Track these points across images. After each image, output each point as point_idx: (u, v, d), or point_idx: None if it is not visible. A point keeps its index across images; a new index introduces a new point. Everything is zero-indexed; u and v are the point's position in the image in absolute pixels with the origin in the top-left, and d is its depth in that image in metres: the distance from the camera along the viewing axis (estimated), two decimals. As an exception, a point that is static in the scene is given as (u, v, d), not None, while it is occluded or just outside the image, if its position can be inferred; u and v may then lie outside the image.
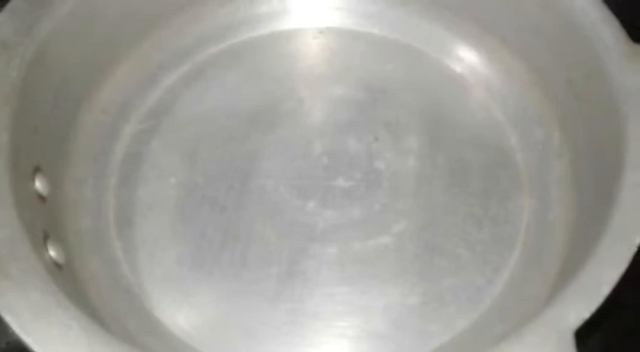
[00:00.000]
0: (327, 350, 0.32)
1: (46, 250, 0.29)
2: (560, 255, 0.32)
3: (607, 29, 0.32)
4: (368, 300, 0.33)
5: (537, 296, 0.31)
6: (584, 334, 0.25)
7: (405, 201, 0.36)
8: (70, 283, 0.30)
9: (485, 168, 0.37)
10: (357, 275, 0.34)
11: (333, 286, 0.33)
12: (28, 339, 0.24)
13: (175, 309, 0.33)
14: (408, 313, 0.32)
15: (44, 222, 0.30)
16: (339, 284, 0.33)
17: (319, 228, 0.35)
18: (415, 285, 0.33)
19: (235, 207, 0.35)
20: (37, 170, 0.30)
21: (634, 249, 0.27)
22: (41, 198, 0.31)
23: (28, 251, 0.26)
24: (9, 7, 0.31)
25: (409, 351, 0.31)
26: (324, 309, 0.33)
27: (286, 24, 0.41)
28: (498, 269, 0.33)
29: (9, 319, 0.25)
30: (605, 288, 0.26)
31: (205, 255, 0.34)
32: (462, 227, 0.35)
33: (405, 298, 0.33)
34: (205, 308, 0.33)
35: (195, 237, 0.35)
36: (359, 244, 0.34)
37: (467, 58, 0.39)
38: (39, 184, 0.30)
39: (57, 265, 0.29)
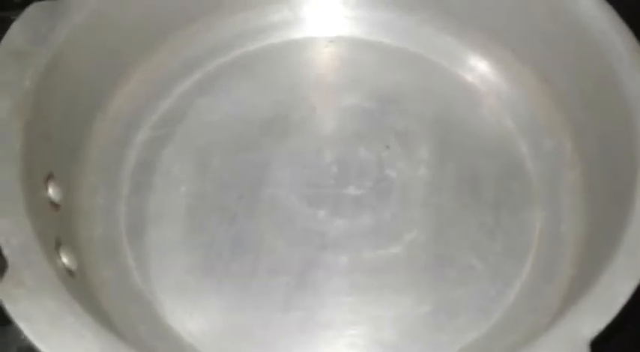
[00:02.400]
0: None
1: (59, 257, 0.29)
2: (572, 267, 0.32)
3: (618, 37, 0.32)
4: (378, 310, 0.33)
5: (548, 308, 0.31)
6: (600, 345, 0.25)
7: (415, 211, 0.36)
8: (83, 290, 0.30)
9: (497, 178, 0.36)
10: (367, 285, 0.33)
11: (344, 295, 0.33)
12: (41, 346, 0.25)
13: (187, 317, 0.32)
14: (419, 323, 0.32)
15: (57, 229, 0.30)
16: (349, 294, 0.33)
17: (330, 236, 0.35)
18: (426, 295, 0.33)
19: (246, 216, 0.35)
20: (49, 177, 0.31)
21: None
22: (54, 205, 0.31)
23: (41, 258, 0.27)
24: (23, 15, 0.31)
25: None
26: (334, 318, 0.33)
27: (298, 33, 0.41)
28: (510, 281, 0.33)
29: (23, 326, 0.25)
30: (620, 299, 0.26)
31: (215, 263, 0.34)
32: (474, 237, 0.35)
33: (416, 308, 0.32)
34: (216, 316, 0.33)
35: (205, 245, 0.35)
36: (370, 253, 0.34)
37: (477, 67, 0.39)
38: (52, 191, 0.30)
39: (69, 272, 0.29)
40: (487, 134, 0.38)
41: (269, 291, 0.33)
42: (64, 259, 0.29)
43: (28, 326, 0.25)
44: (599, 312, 0.25)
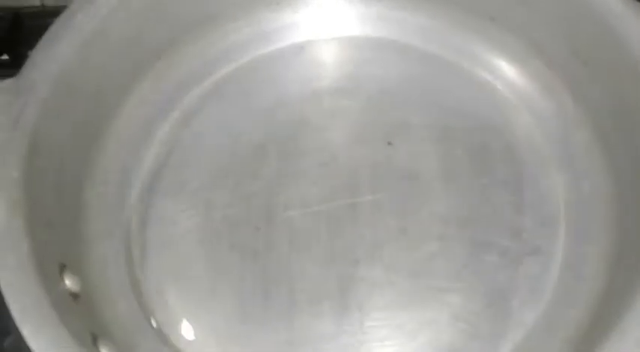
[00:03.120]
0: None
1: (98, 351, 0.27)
2: (609, 226, 0.32)
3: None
4: (431, 314, 0.32)
5: (596, 274, 0.31)
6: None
7: (437, 202, 0.34)
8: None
9: (507, 151, 0.36)
10: (412, 290, 0.33)
11: (391, 307, 0.32)
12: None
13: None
14: (476, 318, 0.31)
15: (86, 321, 0.28)
16: (396, 304, 0.32)
17: (359, 250, 0.34)
18: (473, 288, 0.32)
19: (267, 249, 0.34)
20: (63, 268, 0.28)
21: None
22: (74, 295, 0.28)
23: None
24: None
25: (488, 357, 0.31)
26: (388, 333, 0.32)
27: (298, 35, 0.39)
28: (550, 253, 0.33)
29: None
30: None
31: (251, 307, 0.32)
32: (502, 217, 0.34)
33: (468, 304, 0.32)
34: (270, 362, 0.31)
35: (236, 290, 0.33)
36: (405, 257, 0.33)
37: (464, 44, 0.38)
38: (69, 282, 0.28)
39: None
40: (485, 109, 0.37)
41: (315, 321, 0.32)
42: (104, 350, 0.27)
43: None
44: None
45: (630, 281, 0.28)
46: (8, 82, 0.28)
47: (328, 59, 0.39)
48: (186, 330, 0.32)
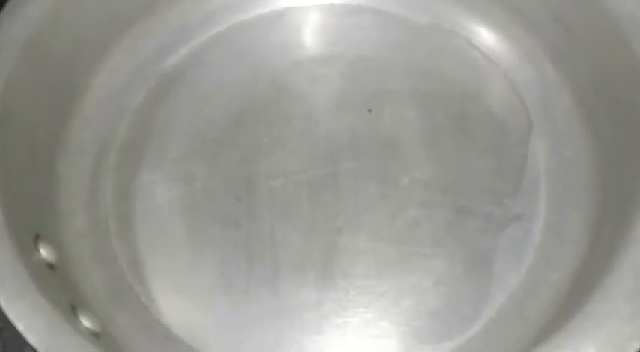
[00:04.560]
0: (393, 340, 0.31)
1: (80, 322, 0.26)
2: (591, 191, 0.32)
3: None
4: (415, 280, 0.32)
5: (580, 236, 0.31)
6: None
7: (419, 168, 0.34)
8: (108, 348, 0.27)
9: (487, 118, 0.35)
10: (395, 257, 0.32)
11: (375, 275, 0.32)
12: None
13: (224, 336, 0.30)
14: (459, 283, 0.31)
15: (64, 291, 0.27)
16: (380, 272, 0.32)
17: (341, 218, 0.33)
18: (456, 253, 0.32)
19: (249, 219, 0.33)
20: (37, 238, 0.27)
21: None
22: (50, 266, 0.27)
23: (67, 328, 0.24)
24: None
25: (471, 321, 0.31)
26: (372, 301, 0.31)
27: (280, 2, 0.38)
28: (532, 218, 0.33)
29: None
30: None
31: (234, 277, 0.32)
32: (484, 182, 0.34)
33: (451, 269, 0.32)
34: (253, 328, 0.31)
35: (218, 260, 0.32)
36: (387, 224, 0.33)
37: (444, 10, 0.37)
38: (44, 252, 0.27)
39: (94, 334, 0.26)
40: (465, 74, 0.36)
41: (299, 290, 0.32)
42: (85, 322, 0.26)
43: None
44: None
45: (612, 243, 0.28)
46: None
47: (308, 26, 0.38)
48: (168, 301, 0.31)
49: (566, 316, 0.26)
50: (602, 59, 0.32)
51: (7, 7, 0.29)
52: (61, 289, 0.27)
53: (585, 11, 0.32)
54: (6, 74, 0.29)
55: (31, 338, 0.22)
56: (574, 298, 0.29)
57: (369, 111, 0.36)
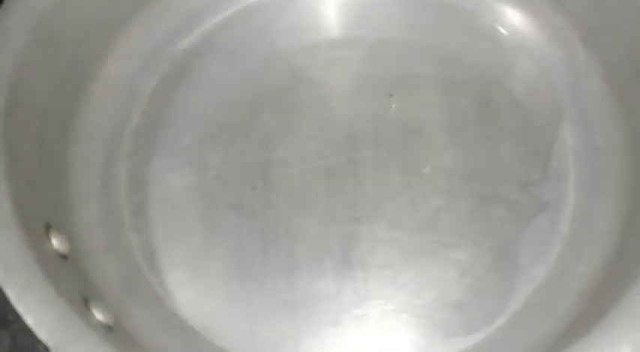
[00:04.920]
0: (414, 334, 0.30)
1: (93, 315, 0.25)
2: (624, 177, 0.31)
3: None
4: (437, 271, 0.31)
5: (610, 230, 0.30)
6: None
7: (441, 156, 0.33)
8: (121, 341, 0.27)
9: (513, 102, 0.34)
10: (417, 247, 0.31)
11: (396, 265, 0.31)
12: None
13: (241, 326, 0.30)
14: (483, 274, 0.30)
15: (76, 283, 0.26)
16: (401, 262, 0.31)
17: (361, 206, 0.32)
18: (481, 243, 0.31)
19: (265, 207, 0.32)
20: (48, 228, 0.26)
21: None
22: (62, 256, 0.27)
23: (78, 323, 0.23)
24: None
25: (497, 313, 0.29)
26: (393, 292, 0.30)
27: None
28: (560, 207, 0.31)
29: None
30: None
31: (250, 265, 0.31)
32: (508, 169, 0.32)
33: (476, 259, 0.31)
34: (271, 318, 0.30)
35: (234, 249, 0.31)
36: (408, 213, 0.32)
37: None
38: (56, 243, 0.26)
39: (107, 327, 0.26)
40: (492, 60, 0.35)
41: (316, 281, 0.31)
42: (98, 314, 0.25)
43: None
44: None
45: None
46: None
47: (324, 7, 0.36)
48: (182, 291, 0.31)
49: (598, 310, 0.25)
50: (637, 38, 0.30)
51: (15, -10, 0.28)
52: (73, 281, 0.26)
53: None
54: (15, 59, 0.28)
55: (42, 333, 0.22)
56: (606, 291, 0.27)
57: (390, 95, 0.35)
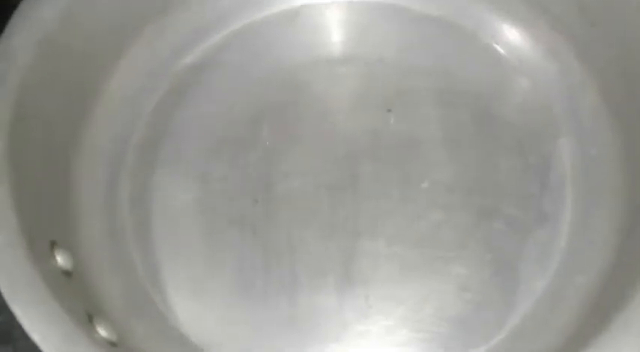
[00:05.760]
0: (415, 349, 0.30)
1: (97, 331, 0.25)
2: (620, 189, 0.31)
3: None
4: (437, 285, 0.31)
5: (606, 241, 0.30)
6: None
7: (440, 170, 0.33)
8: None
9: (510, 116, 0.34)
10: (417, 261, 0.31)
11: (397, 279, 0.31)
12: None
13: (241, 347, 0.30)
14: (483, 288, 0.31)
15: (80, 299, 0.26)
16: (402, 276, 0.31)
17: (362, 221, 0.32)
18: (481, 257, 0.31)
19: (267, 221, 0.32)
20: (53, 245, 0.27)
21: None
22: (66, 273, 0.27)
23: (83, 339, 0.23)
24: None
25: (496, 328, 0.30)
26: (393, 307, 0.31)
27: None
28: (558, 220, 0.32)
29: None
30: None
31: (252, 280, 0.31)
32: (508, 183, 0.33)
33: (476, 273, 0.31)
34: (274, 334, 0.30)
35: (235, 265, 0.32)
36: (408, 227, 0.32)
37: (465, 6, 0.36)
38: (60, 259, 0.27)
39: (111, 343, 0.26)
40: (489, 75, 0.35)
41: (318, 296, 0.31)
42: (102, 331, 0.26)
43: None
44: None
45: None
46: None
47: (325, 24, 0.37)
48: (185, 308, 0.31)
49: (597, 323, 0.25)
50: (631, 54, 0.30)
51: (21, 6, 0.29)
52: (78, 297, 0.26)
53: (612, 5, 0.31)
54: (21, 75, 0.28)
55: (47, 349, 0.22)
56: (605, 303, 0.28)
57: (389, 111, 0.35)
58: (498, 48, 0.36)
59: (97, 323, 0.26)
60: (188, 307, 0.31)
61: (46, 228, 0.27)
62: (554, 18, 0.34)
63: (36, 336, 0.23)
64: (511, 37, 0.36)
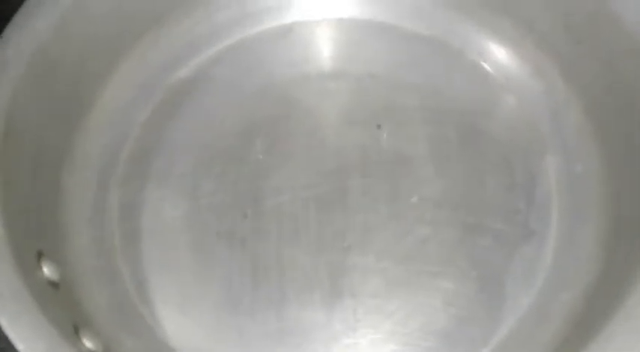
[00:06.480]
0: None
1: (83, 343, 0.25)
2: (605, 205, 0.31)
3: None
4: (424, 300, 0.31)
5: (591, 256, 0.31)
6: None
7: (428, 186, 0.34)
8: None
9: (497, 133, 0.35)
10: (405, 276, 0.32)
11: (384, 293, 0.31)
12: None
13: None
14: (469, 303, 0.31)
15: (67, 311, 0.26)
16: (389, 290, 0.31)
17: (350, 235, 0.33)
18: (467, 272, 0.32)
19: (255, 236, 0.33)
20: (40, 256, 0.27)
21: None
22: (53, 284, 0.27)
23: (67, 348, 0.23)
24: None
25: (481, 342, 0.30)
26: (381, 321, 0.31)
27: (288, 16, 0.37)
28: (544, 235, 0.32)
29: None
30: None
31: (240, 296, 0.31)
32: (494, 199, 0.33)
33: (461, 288, 0.31)
34: (260, 351, 0.30)
35: (224, 278, 0.32)
36: (396, 242, 0.32)
37: (453, 25, 0.37)
38: (47, 271, 0.27)
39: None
40: (477, 93, 0.36)
41: (306, 310, 0.31)
42: (87, 342, 0.26)
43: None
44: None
45: (628, 260, 0.28)
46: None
47: (316, 41, 0.38)
48: (173, 322, 0.31)
49: (582, 338, 0.26)
50: (615, 73, 0.31)
51: (15, 19, 0.29)
52: (64, 309, 0.26)
53: (597, 24, 0.31)
54: (12, 87, 0.28)
55: (32, 361, 0.22)
56: (589, 318, 0.28)
57: (378, 127, 0.36)
58: (485, 66, 0.37)
59: (82, 335, 0.26)
60: (176, 321, 0.31)
61: (34, 239, 0.27)
62: (540, 37, 0.35)
63: (21, 346, 0.23)
64: (498, 55, 0.37)
